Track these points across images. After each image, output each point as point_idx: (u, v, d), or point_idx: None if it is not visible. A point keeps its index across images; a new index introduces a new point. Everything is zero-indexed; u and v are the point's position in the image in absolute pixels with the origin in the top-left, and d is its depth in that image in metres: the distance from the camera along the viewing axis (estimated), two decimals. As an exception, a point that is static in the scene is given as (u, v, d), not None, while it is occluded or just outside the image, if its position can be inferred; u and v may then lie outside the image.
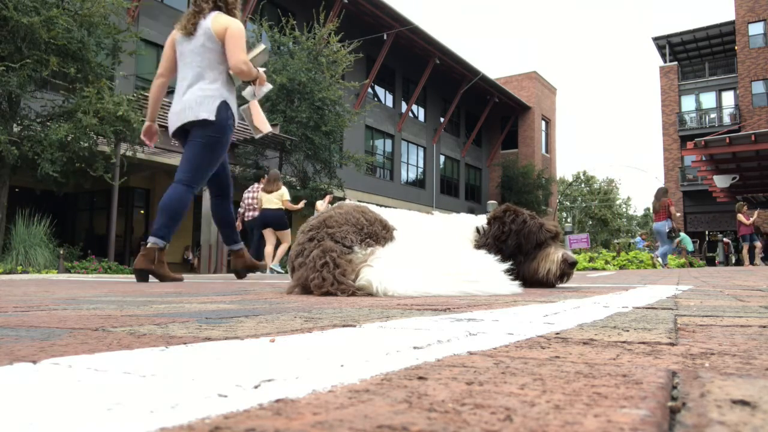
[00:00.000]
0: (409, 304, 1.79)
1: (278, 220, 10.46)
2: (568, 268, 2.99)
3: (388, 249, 2.58)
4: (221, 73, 3.82)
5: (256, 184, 11.21)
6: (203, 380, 0.56)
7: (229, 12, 3.90)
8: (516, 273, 2.84)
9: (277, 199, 10.32)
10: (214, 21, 3.74)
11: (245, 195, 11.15)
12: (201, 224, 19.48)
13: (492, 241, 2.96)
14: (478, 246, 2.97)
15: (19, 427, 0.39)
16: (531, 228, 2.97)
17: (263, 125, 4.48)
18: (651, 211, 14.27)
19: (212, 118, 3.71)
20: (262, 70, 3.99)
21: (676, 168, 34.73)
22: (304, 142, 16.94)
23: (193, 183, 3.79)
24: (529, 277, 2.95)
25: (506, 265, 2.55)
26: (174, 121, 3.90)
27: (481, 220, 3.11)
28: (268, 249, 10.73)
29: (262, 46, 4.10)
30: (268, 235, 10.73)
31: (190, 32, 3.81)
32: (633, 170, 73.56)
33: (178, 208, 3.75)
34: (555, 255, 2.97)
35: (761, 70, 31.98)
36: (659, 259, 13.36)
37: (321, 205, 12.19)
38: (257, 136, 4.68)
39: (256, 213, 10.67)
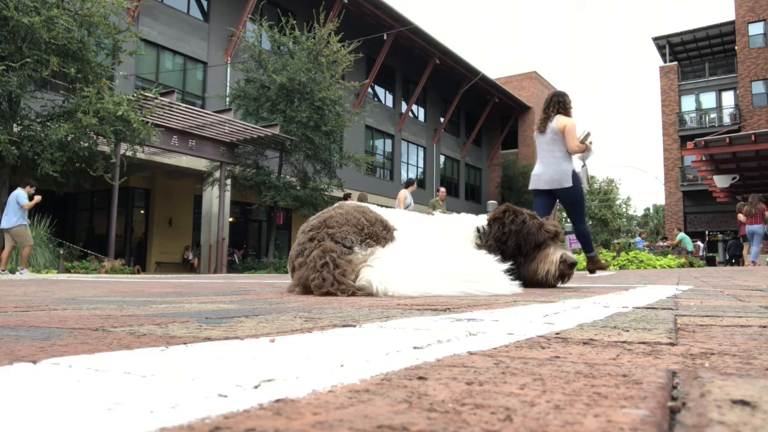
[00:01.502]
0: (409, 304, 1.79)
1: None
2: (567, 268, 2.97)
3: (388, 249, 2.58)
4: (564, 153, 5.61)
5: None
6: (203, 380, 0.56)
7: (567, 113, 5.66)
8: (516, 274, 2.84)
9: None
10: (557, 121, 5.58)
11: None
12: (201, 224, 19.51)
13: (493, 242, 2.96)
14: (480, 246, 2.97)
15: (20, 427, 0.39)
16: (530, 229, 2.96)
17: (587, 178, 6.43)
18: (739, 213, 14.87)
19: (570, 184, 5.61)
20: (588, 141, 5.73)
21: (676, 168, 34.72)
22: (304, 142, 16.94)
23: (584, 217, 5.89)
24: (529, 278, 2.93)
25: (506, 265, 2.55)
26: (541, 185, 5.73)
27: (482, 221, 3.10)
28: None
29: (587, 131, 5.73)
30: None
31: (542, 131, 5.67)
32: (633, 170, 73.57)
33: (588, 233, 6.00)
34: (554, 256, 2.95)
35: (761, 70, 31.97)
36: (751, 257, 13.84)
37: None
38: (587, 187, 6.51)
39: None
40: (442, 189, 13.15)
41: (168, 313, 1.45)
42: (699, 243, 28.41)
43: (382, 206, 3.04)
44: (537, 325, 1.10)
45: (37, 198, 10.57)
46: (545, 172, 5.64)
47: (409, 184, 12.25)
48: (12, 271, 10.77)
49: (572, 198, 5.70)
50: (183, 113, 14.26)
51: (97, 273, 11.83)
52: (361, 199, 12.03)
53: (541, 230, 2.98)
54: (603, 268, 6.23)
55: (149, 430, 0.39)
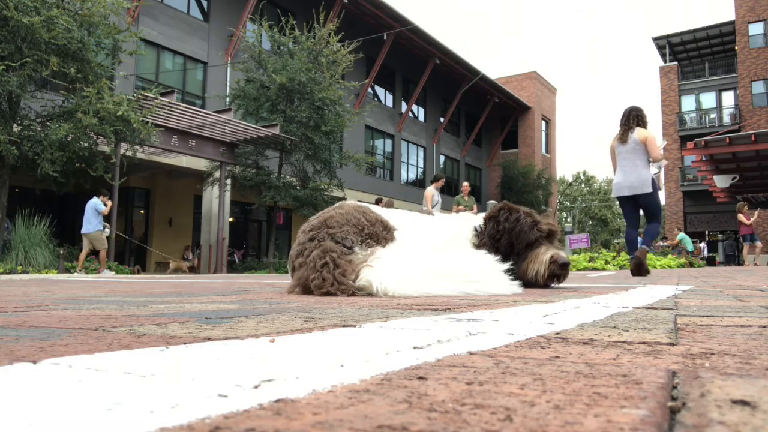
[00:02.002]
0: (409, 304, 1.79)
1: None
2: (558, 269, 2.89)
3: (388, 249, 2.58)
4: (645, 161, 6.23)
5: None
6: (203, 380, 0.56)
7: (644, 126, 6.31)
8: (514, 273, 2.83)
9: None
10: (639, 133, 6.21)
11: None
12: (201, 224, 19.50)
13: (488, 240, 2.92)
14: (477, 245, 2.95)
15: (20, 427, 0.39)
16: (522, 227, 2.89)
17: (662, 182, 7.33)
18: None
19: (650, 190, 6.18)
20: (660, 149, 6.54)
21: (676, 168, 34.72)
22: (304, 142, 16.93)
23: (659, 220, 6.46)
24: (520, 277, 2.87)
25: (506, 265, 2.55)
26: (624, 191, 6.33)
27: (479, 220, 3.10)
28: None
29: (664, 142, 7.24)
30: None
31: (624, 141, 6.28)
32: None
33: (656, 232, 6.40)
34: (544, 256, 2.87)
35: (761, 70, 31.96)
36: None
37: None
38: (662, 190, 7.28)
39: None
40: (465, 183, 12.46)
41: (168, 313, 1.45)
42: (701, 244, 28.46)
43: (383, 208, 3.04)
44: (537, 325, 1.10)
45: (110, 203, 12.14)
46: (626, 179, 6.27)
47: (436, 179, 11.44)
48: (11, 271, 10.78)
49: (651, 202, 6.32)
50: (183, 113, 14.26)
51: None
52: (387, 205, 11.58)
53: (533, 229, 2.91)
54: (648, 271, 6.12)
55: (149, 430, 0.39)
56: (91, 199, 11.87)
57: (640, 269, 5.93)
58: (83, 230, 11.83)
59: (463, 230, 3.03)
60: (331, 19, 17.86)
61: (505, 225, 2.93)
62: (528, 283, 2.90)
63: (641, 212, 6.49)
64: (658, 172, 7.02)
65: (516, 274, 2.86)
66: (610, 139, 6.70)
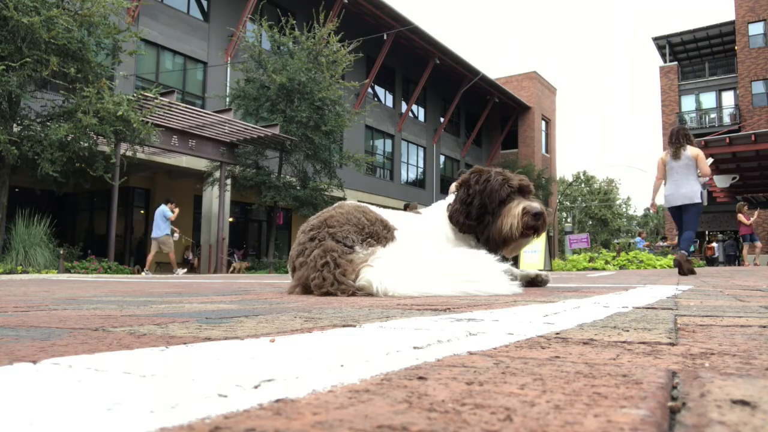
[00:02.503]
0: (409, 304, 1.79)
1: None
2: (531, 219, 2.73)
3: (389, 249, 2.58)
4: (695, 176, 6.93)
5: None
6: (203, 380, 0.56)
7: (693, 144, 7.03)
8: (486, 237, 2.78)
9: None
10: (690, 150, 6.89)
11: None
12: (201, 224, 19.50)
13: (459, 206, 2.85)
14: (450, 216, 2.87)
15: (20, 427, 0.39)
16: (493, 186, 2.79)
17: (704, 195, 8.08)
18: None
19: (700, 200, 6.88)
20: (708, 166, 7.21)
21: (676, 168, 34.68)
22: (304, 142, 16.93)
23: (696, 229, 7.01)
24: (497, 237, 2.78)
25: (506, 265, 2.54)
26: (677, 201, 7.03)
27: (449, 199, 3.03)
28: None
29: (710, 160, 8.13)
30: None
31: (677, 157, 6.94)
32: (633, 170, 73.57)
33: (692, 239, 6.92)
34: (516, 209, 2.74)
35: (761, 70, 31.96)
36: None
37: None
38: (705, 203, 7.84)
39: None
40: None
41: (168, 313, 1.45)
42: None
43: (381, 206, 3.04)
44: (537, 325, 1.10)
45: (177, 210, 13.53)
46: (678, 191, 7.07)
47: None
48: (11, 271, 10.77)
49: (697, 212, 7.06)
50: (183, 113, 14.26)
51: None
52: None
53: (504, 185, 2.79)
54: (692, 270, 6.79)
55: (149, 430, 0.39)
56: (160, 207, 13.30)
57: (682, 268, 6.63)
58: (153, 235, 13.09)
59: (443, 218, 2.99)
60: (331, 19, 17.86)
61: (476, 187, 2.84)
62: (503, 240, 2.79)
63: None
64: (706, 186, 8.04)
65: (491, 235, 2.77)
66: (661, 154, 7.51)
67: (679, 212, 7.18)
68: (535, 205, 2.77)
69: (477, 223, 2.83)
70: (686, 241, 6.96)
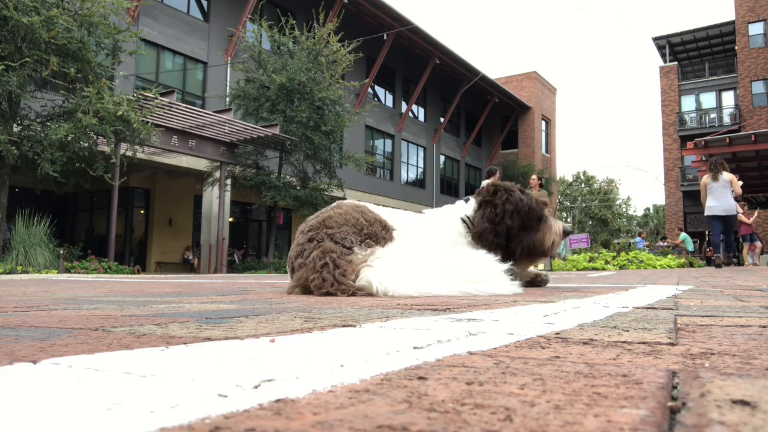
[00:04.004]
0: (409, 304, 1.79)
1: None
2: (564, 236, 3.23)
3: (388, 249, 2.58)
4: (731, 194, 9.30)
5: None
6: (203, 380, 0.56)
7: (727, 171, 9.53)
8: (512, 251, 2.91)
9: None
10: (726, 175, 9.39)
11: None
12: (201, 224, 19.50)
13: (488, 224, 2.93)
14: (473, 234, 2.95)
15: (20, 427, 0.39)
16: (531, 204, 3.06)
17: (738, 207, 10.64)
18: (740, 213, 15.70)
19: (735, 213, 9.22)
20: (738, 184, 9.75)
21: (676, 168, 34.70)
22: (304, 142, 16.93)
23: (733, 233, 9.65)
24: (533, 248, 3.02)
25: (507, 265, 2.54)
26: (718, 212, 9.53)
27: (465, 209, 3.05)
28: None
29: (740, 184, 9.95)
30: None
31: (717, 180, 9.42)
32: (633, 170, 73.64)
33: (732, 243, 9.80)
34: (557, 227, 3.12)
35: (761, 70, 31.95)
36: None
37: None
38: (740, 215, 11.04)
39: None
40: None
41: (168, 313, 1.45)
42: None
43: (381, 206, 3.03)
44: (537, 325, 1.10)
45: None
46: (720, 205, 9.51)
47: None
48: (11, 271, 10.77)
49: (734, 222, 9.52)
50: (183, 113, 14.26)
51: (97, 273, 11.88)
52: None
53: (539, 204, 3.11)
54: (728, 263, 8.94)
55: (149, 430, 0.39)
56: None
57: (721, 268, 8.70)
58: None
59: (453, 223, 3.00)
60: (331, 19, 17.85)
61: (507, 207, 2.99)
62: (542, 252, 3.09)
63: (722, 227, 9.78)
64: (737, 202, 10.42)
65: (526, 246, 3.00)
66: (703, 178, 10.00)
67: (719, 220, 9.67)
68: (568, 225, 3.25)
69: (507, 242, 2.95)
70: (730, 246, 9.59)
